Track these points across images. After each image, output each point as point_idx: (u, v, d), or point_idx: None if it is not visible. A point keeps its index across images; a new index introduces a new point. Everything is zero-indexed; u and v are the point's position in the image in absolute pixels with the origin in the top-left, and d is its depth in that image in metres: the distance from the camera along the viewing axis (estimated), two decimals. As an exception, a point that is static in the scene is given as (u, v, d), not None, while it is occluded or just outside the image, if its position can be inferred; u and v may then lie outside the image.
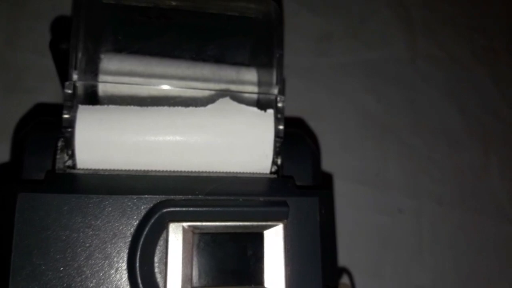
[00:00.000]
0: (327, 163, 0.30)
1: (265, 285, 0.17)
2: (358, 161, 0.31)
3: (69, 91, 0.18)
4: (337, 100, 0.33)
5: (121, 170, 0.18)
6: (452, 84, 0.35)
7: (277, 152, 0.20)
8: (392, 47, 0.35)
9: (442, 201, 0.32)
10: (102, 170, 0.18)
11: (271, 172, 0.20)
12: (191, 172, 0.19)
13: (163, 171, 0.19)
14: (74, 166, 0.18)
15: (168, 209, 0.17)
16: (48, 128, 0.19)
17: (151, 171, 0.19)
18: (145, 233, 0.17)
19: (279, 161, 0.20)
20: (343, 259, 0.29)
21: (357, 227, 0.30)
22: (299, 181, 0.19)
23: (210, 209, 0.17)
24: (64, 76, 0.21)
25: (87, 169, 0.18)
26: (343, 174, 0.30)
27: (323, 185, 0.20)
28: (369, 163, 0.31)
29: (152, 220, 0.17)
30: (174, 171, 0.19)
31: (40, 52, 0.29)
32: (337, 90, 0.33)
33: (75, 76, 0.18)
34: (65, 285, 0.16)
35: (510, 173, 0.34)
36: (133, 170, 0.19)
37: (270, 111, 0.20)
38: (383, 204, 0.31)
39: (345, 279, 0.27)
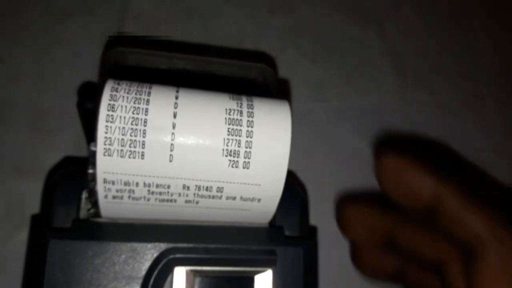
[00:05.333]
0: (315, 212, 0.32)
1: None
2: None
3: (94, 149, 0.21)
4: (330, 143, 0.36)
5: (136, 219, 0.21)
6: (440, 129, 0.38)
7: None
8: (384, 94, 0.38)
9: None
10: (120, 218, 0.21)
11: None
12: (195, 221, 0.22)
13: (172, 220, 0.22)
14: (96, 214, 0.21)
15: (174, 256, 0.20)
16: (74, 179, 0.22)
17: (161, 220, 0.22)
18: (154, 276, 0.20)
19: None
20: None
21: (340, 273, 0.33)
22: (288, 230, 0.22)
23: (210, 256, 0.20)
24: (89, 131, 0.24)
25: (107, 218, 0.21)
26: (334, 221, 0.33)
27: (308, 236, 0.23)
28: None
29: (160, 265, 0.20)
30: (180, 221, 0.22)
31: (64, 96, 0.32)
32: (330, 134, 0.36)
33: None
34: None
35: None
36: (146, 219, 0.22)
37: None
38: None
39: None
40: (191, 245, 0.20)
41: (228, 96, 0.20)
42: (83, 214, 0.21)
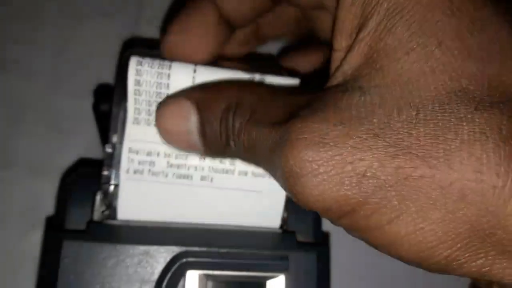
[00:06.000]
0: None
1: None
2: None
3: (109, 151, 0.22)
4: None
5: (150, 222, 0.22)
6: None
7: (284, 207, 0.23)
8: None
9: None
10: (134, 221, 0.21)
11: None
12: (208, 224, 0.22)
13: (184, 223, 0.22)
14: (109, 216, 0.22)
15: (187, 259, 0.20)
16: (89, 181, 0.22)
17: (174, 223, 0.22)
18: (166, 279, 0.20)
19: (285, 215, 0.23)
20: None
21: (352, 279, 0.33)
22: (300, 236, 0.22)
23: (222, 260, 0.20)
24: (104, 132, 0.24)
25: (121, 220, 0.21)
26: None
27: (321, 241, 0.23)
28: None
29: (173, 269, 0.20)
30: (193, 223, 0.22)
31: (79, 96, 0.33)
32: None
33: (115, 139, 0.22)
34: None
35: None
36: (159, 222, 0.22)
37: None
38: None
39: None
40: (204, 249, 0.20)
41: (241, 72, 0.21)
42: (97, 216, 0.22)
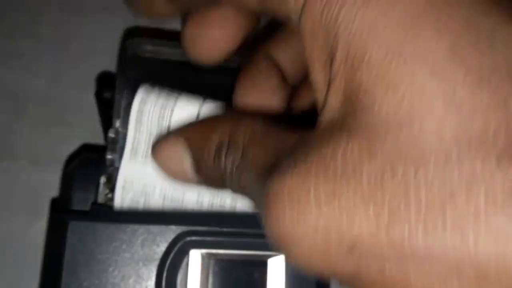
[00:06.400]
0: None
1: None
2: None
3: (112, 135, 0.22)
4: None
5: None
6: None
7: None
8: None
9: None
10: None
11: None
12: (211, 205, 0.23)
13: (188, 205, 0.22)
14: (112, 199, 0.22)
15: (190, 238, 0.21)
16: (93, 165, 0.23)
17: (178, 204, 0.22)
18: (170, 258, 0.20)
19: None
20: None
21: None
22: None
23: (225, 239, 0.21)
24: (105, 119, 0.25)
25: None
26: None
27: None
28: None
29: (176, 248, 0.20)
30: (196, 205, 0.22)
31: (80, 89, 0.33)
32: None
33: (117, 124, 0.22)
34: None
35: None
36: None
37: None
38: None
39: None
40: (206, 228, 0.21)
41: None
42: (101, 198, 0.22)
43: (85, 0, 0.36)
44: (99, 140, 0.32)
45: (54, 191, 0.31)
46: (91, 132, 0.32)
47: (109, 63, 0.34)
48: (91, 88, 0.33)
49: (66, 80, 0.34)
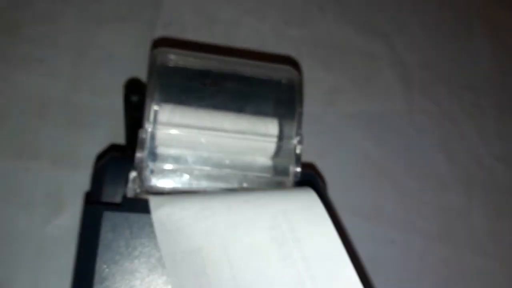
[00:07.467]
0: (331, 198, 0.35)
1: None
2: (358, 198, 0.37)
3: (144, 136, 0.24)
4: (341, 144, 0.38)
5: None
6: (442, 135, 0.41)
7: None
8: (391, 101, 0.41)
9: (429, 235, 0.37)
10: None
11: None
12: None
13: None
14: (141, 193, 0.24)
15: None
16: (123, 161, 0.24)
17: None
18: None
19: None
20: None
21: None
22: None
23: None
24: (132, 121, 0.27)
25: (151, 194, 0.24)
26: (344, 209, 0.35)
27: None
28: (367, 200, 0.37)
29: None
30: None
31: (98, 94, 0.35)
32: (342, 136, 0.39)
33: (148, 125, 0.24)
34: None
35: (488, 213, 0.39)
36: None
37: None
38: (378, 236, 0.36)
39: None
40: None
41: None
42: (130, 193, 0.24)
43: (103, 10, 0.38)
44: (116, 140, 0.34)
45: (73, 188, 0.32)
46: (108, 133, 0.34)
47: (125, 70, 0.36)
48: (108, 92, 0.35)
49: (85, 84, 0.36)
